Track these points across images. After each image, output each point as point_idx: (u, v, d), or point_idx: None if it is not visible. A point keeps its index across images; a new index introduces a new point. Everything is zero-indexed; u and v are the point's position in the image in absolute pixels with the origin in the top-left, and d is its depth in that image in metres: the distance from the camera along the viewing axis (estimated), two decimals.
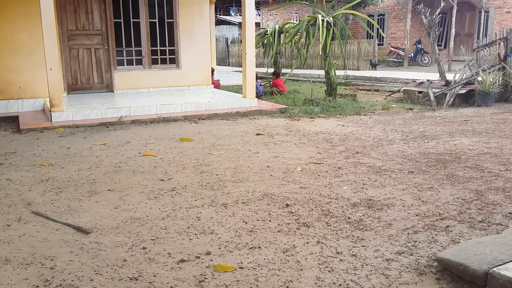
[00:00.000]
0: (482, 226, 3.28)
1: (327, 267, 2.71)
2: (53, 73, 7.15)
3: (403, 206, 3.69)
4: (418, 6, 12.05)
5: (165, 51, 10.12)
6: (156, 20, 9.91)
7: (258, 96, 9.70)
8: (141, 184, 4.31)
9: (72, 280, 2.58)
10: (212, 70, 11.67)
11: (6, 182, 4.40)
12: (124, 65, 9.79)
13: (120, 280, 2.59)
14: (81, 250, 2.95)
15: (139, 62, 9.92)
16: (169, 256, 2.87)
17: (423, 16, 11.02)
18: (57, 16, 8.79)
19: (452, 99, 9.41)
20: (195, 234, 3.19)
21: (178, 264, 2.76)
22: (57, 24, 8.59)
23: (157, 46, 10.02)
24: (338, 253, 2.89)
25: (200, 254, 2.89)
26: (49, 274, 2.65)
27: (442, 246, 2.95)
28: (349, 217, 3.46)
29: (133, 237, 3.15)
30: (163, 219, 3.47)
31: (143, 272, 2.66)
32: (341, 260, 2.79)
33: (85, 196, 3.98)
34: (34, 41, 8.37)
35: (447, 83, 9.93)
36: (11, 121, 7.88)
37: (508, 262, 2.43)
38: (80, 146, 5.83)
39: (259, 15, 27.25)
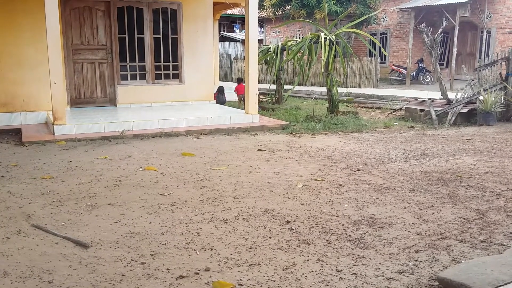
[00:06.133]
0: (483, 246, 3.25)
1: (327, 285, 2.69)
2: (57, 86, 7.20)
3: (404, 224, 3.67)
4: (420, 26, 12.15)
5: (168, 66, 10.20)
6: (160, 36, 10.01)
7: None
8: (141, 198, 4.30)
9: None
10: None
11: (6, 194, 4.40)
12: (127, 79, 9.86)
13: None
14: (80, 264, 2.93)
15: (143, 77, 9.99)
16: (168, 271, 2.85)
17: (425, 35, 11.11)
18: (63, 30, 8.89)
19: (453, 118, 9.43)
20: (195, 249, 3.17)
21: (176, 280, 2.74)
22: (62, 38, 8.67)
23: (160, 61, 10.10)
24: (338, 271, 2.87)
25: (199, 270, 2.87)
26: None
27: (443, 266, 2.93)
28: (349, 235, 3.44)
29: (132, 252, 3.13)
30: (163, 234, 3.45)
31: None
32: (341, 279, 2.77)
33: (85, 210, 3.98)
34: (40, 55, 8.43)
35: (449, 102, 9.96)
36: (14, 134, 7.91)
37: (509, 283, 2.40)
38: (82, 160, 5.84)
39: (262, 32, 27.51)
